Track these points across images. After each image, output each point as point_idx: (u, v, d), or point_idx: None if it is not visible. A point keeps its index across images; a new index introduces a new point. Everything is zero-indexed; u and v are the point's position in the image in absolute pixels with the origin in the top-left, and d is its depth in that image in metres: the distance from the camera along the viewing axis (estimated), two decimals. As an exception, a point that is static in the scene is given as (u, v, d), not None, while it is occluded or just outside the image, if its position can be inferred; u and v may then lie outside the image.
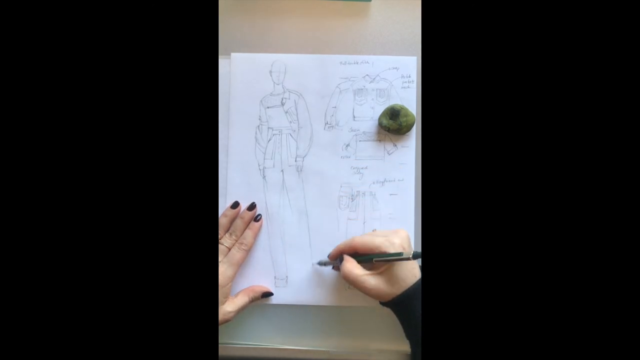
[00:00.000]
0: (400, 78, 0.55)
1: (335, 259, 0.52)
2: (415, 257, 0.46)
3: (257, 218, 0.54)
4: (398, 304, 0.47)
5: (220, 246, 0.52)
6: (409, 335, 0.49)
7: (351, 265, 0.49)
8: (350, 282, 0.48)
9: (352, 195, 0.55)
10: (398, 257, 0.46)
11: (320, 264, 0.54)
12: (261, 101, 0.56)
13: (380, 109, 0.55)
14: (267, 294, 0.54)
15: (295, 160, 0.55)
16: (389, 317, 0.52)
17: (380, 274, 0.48)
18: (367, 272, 0.48)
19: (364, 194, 0.55)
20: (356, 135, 0.55)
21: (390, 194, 0.55)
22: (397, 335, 0.51)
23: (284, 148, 0.55)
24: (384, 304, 0.49)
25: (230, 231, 0.53)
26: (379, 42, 0.56)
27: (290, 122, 0.56)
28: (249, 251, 0.53)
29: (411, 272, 0.47)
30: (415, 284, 0.47)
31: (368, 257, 0.48)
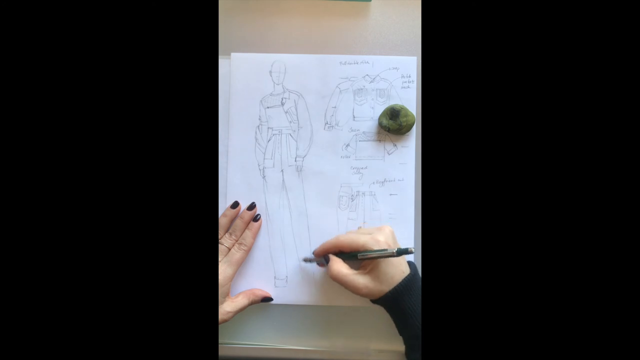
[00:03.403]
0: (400, 78, 0.55)
1: (321, 257, 0.53)
2: (399, 253, 0.46)
3: (256, 218, 0.54)
4: (388, 301, 0.48)
5: (220, 246, 0.52)
6: (402, 331, 0.49)
7: (338, 266, 0.49)
8: (339, 282, 0.49)
9: (352, 195, 0.55)
10: (382, 253, 0.46)
11: (306, 260, 0.54)
12: (261, 101, 0.56)
13: (380, 109, 0.55)
14: (267, 299, 0.54)
15: (295, 160, 0.55)
16: (389, 317, 0.52)
17: (368, 272, 0.48)
18: (355, 271, 0.49)
19: (364, 194, 0.55)
20: (356, 135, 0.55)
21: (390, 194, 0.55)
22: (397, 335, 0.51)
23: (283, 148, 0.55)
24: (375, 301, 0.49)
25: (230, 231, 0.53)
26: (379, 42, 0.56)
27: (290, 122, 0.56)
28: (248, 251, 0.53)
29: (399, 268, 0.48)
30: (404, 280, 0.47)
31: (352, 254, 0.49)
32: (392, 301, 0.47)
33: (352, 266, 0.50)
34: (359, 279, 0.48)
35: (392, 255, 0.46)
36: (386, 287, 0.47)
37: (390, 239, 0.49)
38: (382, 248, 0.47)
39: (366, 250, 0.47)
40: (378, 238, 0.48)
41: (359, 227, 0.54)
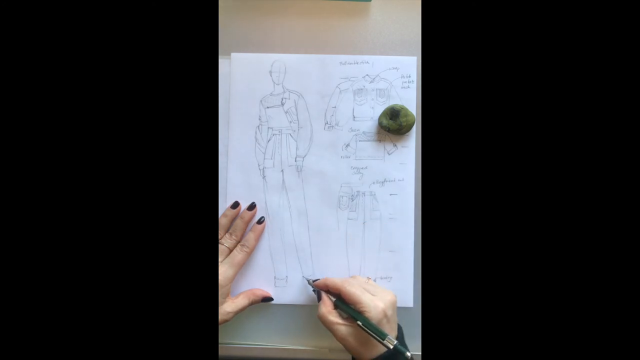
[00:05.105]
0: (400, 78, 0.55)
1: (320, 288, 0.52)
2: (396, 349, 0.44)
3: (260, 220, 0.54)
4: None
5: (220, 246, 0.52)
6: None
7: (325, 310, 0.48)
8: (323, 324, 0.48)
9: (352, 195, 0.55)
10: (379, 337, 0.44)
11: (306, 279, 0.54)
12: (261, 101, 0.56)
13: (380, 109, 0.55)
14: (267, 299, 0.54)
15: (295, 160, 0.55)
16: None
17: (353, 326, 0.47)
18: (341, 321, 0.47)
19: (364, 194, 0.55)
20: (356, 135, 0.55)
21: (390, 194, 0.55)
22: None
23: (284, 148, 0.55)
24: None
25: (230, 231, 0.53)
26: (379, 42, 0.56)
27: (290, 122, 0.56)
28: (250, 253, 0.53)
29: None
30: (387, 352, 0.45)
31: (353, 315, 0.47)
32: None
33: (343, 312, 0.49)
34: (342, 330, 0.47)
35: (387, 347, 0.44)
36: (367, 355, 0.46)
37: (390, 309, 0.47)
38: (380, 316, 0.45)
39: (366, 322, 0.45)
40: (378, 304, 0.46)
41: (368, 279, 0.53)
